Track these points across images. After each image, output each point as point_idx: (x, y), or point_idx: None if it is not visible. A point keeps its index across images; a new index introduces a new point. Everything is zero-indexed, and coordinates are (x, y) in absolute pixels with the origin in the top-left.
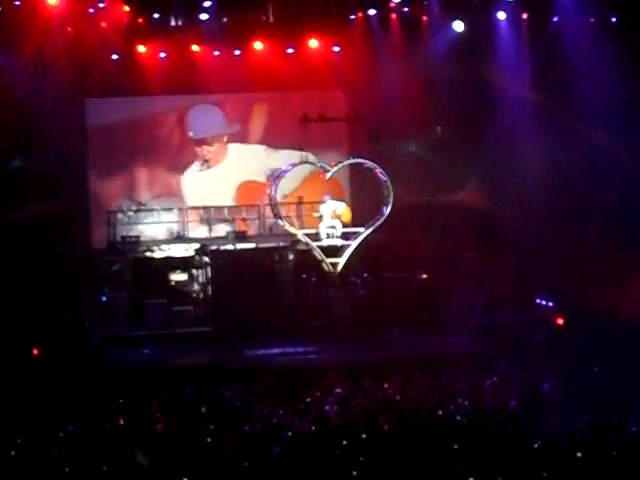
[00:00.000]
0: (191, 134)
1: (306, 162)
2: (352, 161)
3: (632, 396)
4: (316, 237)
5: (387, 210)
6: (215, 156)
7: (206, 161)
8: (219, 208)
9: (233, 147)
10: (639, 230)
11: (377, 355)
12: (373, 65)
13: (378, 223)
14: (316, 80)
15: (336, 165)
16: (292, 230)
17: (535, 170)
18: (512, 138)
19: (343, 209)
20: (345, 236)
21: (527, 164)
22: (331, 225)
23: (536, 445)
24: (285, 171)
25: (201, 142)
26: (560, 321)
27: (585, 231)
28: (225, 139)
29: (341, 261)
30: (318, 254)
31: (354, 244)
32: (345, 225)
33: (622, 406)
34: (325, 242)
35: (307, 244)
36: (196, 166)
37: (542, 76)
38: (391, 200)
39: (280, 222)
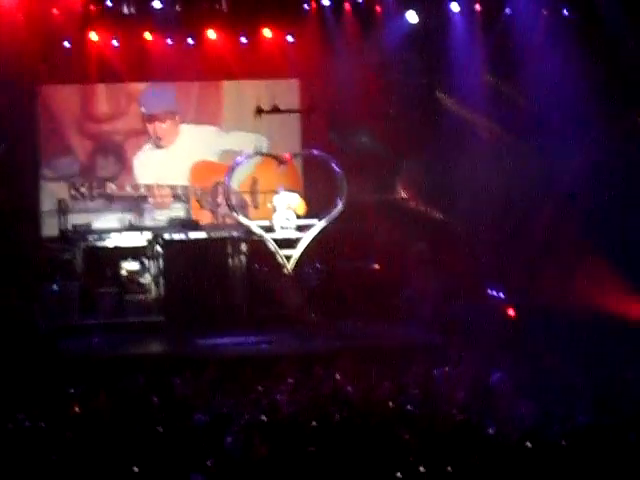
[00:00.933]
0: (143, 110)
1: (260, 153)
2: (307, 152)
3: (581, 387)
4: (269, 229)
5: (341, 202)
6: (167, 135)
7: (158, 139)
8: (173, 187)
9: (184, 127)
10: (589, 220)
11: (329, 345)
12: (327, 56)
13: (332, 215)
14: (270, 70)
15: (291, 157)
16: (245, 222)
17: (485, 163)
18: (463, 134)
19: (297, 201)
20: (299, 228)
21: (477, 160)
22: (285, 217)
23: (485, 434)
24: (238, 163)
25: (153, 118)
26: (511, 312)
27: (535, 221)
28: (177, 118)
29: (295, 253)
30: (272, 246)
31: (308, 236)
32: (299, 217)
33: (571, 397)
34: (279, 234)
35: (261, 236)
36: (148, 147)
37: (494, 69)
38: (345, 192)
39: (234, 214)
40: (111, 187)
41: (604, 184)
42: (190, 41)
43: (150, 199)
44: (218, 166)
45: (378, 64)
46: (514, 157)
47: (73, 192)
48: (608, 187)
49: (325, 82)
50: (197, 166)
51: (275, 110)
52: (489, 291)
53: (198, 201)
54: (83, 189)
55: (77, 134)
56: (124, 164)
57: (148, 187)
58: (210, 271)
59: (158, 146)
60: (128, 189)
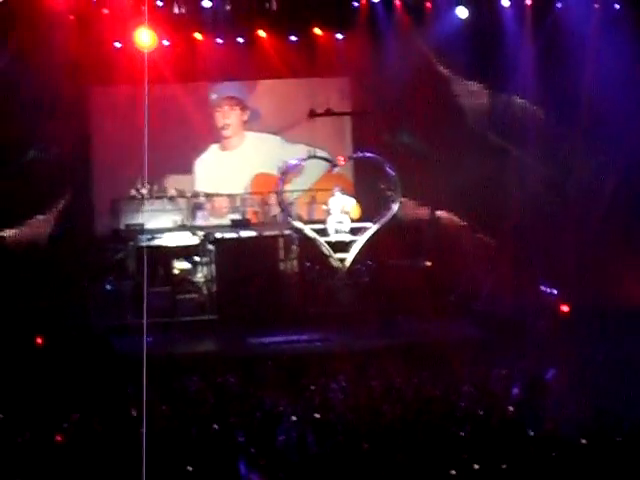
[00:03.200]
0: (213, 96)
1: (314, 157)
2: (361, 155)
3: (635, 385)
4: (323, 232)
5: (396, 206)
6: (234, 130)
7: (223, 128)
8: (231, 196)
9: (250, 135)
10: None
11: (381, 342)
12: (378, 53)
13: (386, 219)
14: (321, 69)
15: (346, 160)
16: (298, 225)
17: (540, 158)
18: (518, 130)
19: (352, 205)
20: (353, 231)
21: (532, 155)
22: (339, 220)
23: (537, 433)
24: (293, 166)
25: (221, 103)
26: (565, 308)
27: (588, 217)
28: (246, 117)
29: (349, 257)
30: (326, 250)
31: (362, 240)
32: (353, 220)
33: (625, 395)
34: (333, 237)
35: (315, 240)
36: (212, 149)
37: (546, 64)
38: (399, 195)
39: (288, 218)
40: (171, 191)
41: None
42: (240, 40)
43: (207, 206)
44: (275, 179)
45: (429, 61)
46: (569, 151)
47: (134, 192)
48: None
49: (376, 81)
50: (258, 178)
51: (328, 113)
52: (542, 288)
53: (255, 213)
54: (144, 190)
55: (135, 139)
56: (185, 165)
57: (208, 196)
58: (262, 269)
59: (223, 145)
60: (188, 195)
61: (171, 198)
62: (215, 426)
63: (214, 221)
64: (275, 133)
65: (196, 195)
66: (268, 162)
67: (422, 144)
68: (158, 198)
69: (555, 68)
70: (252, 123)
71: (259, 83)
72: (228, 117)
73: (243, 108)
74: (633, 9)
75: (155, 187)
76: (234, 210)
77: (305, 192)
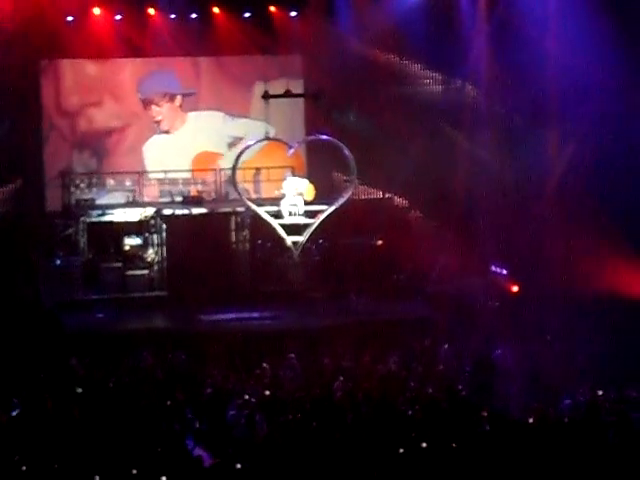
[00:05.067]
0: (139, 95)
1: (269, 138)
2: (317, 138)
3: (580, 364)
4: (278, 215)
5: (352, 187)
6: (169, 120)
7: (156, 123)
8: (174, 180)
9: (192, 115)
10: (592, 201)
11: (332, 321)
12: (332, 32)
13: (342, 201)
14: (274, 46)
15: (300, 142)
16: (253, 207)
17: (492, 143)
18: (471, 116)
19: (306, 187)
20: (307, 214)
21: (485, 139)
22: (293, 203)
23: (488, 410)
24: (248, 146)
25: (148, 102)
26: (515, 288)
27: (539, 199)
28: (178, 102)
29: (302, 239)
30: (280, 233)
31: (317, 222)
32: (307, 203)
33: (572, 374)
34: (287, 220)
35: (269, 223)
36: (156, 132)
37: (496, 47)
38: (355, 177)
39: (244, 199)
40: (110, 183)
41: (617, 160)
42: (193, 16)
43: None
44: (218, 156)
45: (383, 42)
46: (518, 134)
47: (73, 189)
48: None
49: (329, 60)
50: (199, 157)
51: (282, 95)
52: (492, 268)
53: (199, 192)
54: (82, 185)
55: (83, 113)
56: (132, 148)
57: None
58: (213, 246)
59: (161, 131)
60: (127, 183)
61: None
62: (164, 402)
63: (160, 197)
64: (216, 109)
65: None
66: (213, 139)
67: (374, 126)
68: (107, 174)
69: (506, 52)
70: (191, 103)
71: (198, 61)
72: (160, 113)
73: (171, 98)
74: None
75: (94, 181)
76: (165, 196)
77: (259, 170)
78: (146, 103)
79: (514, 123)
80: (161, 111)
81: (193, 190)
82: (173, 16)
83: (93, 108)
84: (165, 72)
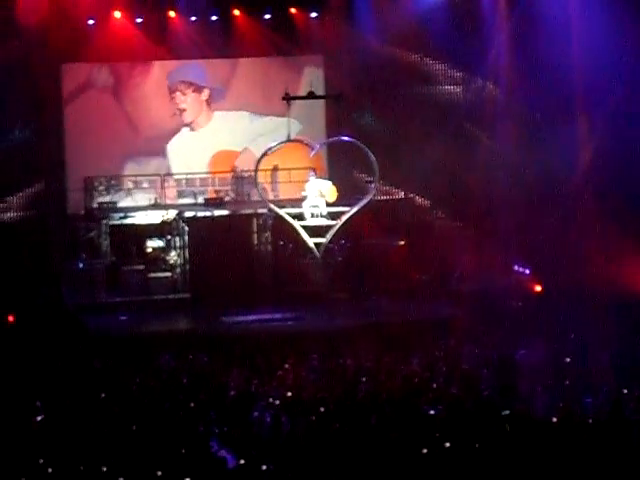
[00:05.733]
0: (167, 82)
1: (292, 140)
2: (339, 139)
3: (604, 363)
4: (300, 216)
5: (374, 189)
6: (193, 112)
7: (180, 111)
8: (191, 180)
9: (218, 114)
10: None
11: (354, 322)
12: (352, 33)
13: (364, 203)
14: (295, 47)
15: (323, 144)
16: (275, 209)
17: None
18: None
19: (329, 188)
20: (330, 215)
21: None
22: (314, 204)
23: (511, 411)
24: (270, 148)
25: (174, 89)
26: (537, 288)
27: (562, 199)
28: (204, 96)
29: (325, 241)
30: (302, 234)
31: (339, 223)
32: (329, 204)
33: (595, 375)
34: (310, 222)
35: (291, 225)
36: (180, 125)
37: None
38: (377, 179)
39: (265, 200)
40: (128, 184)
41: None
42: (213, 18)
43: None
44: (238, 155)
45: (403, 40)
46: (541, 134)
47: (95, 193)
48: None
49: (350, 62)
50: (217, 155)
51: (302, 97)
52: (515, 267)
53: (217, 192)
54: (101, 187)
55: (102, 114)
56: (156, 149)
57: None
58: (235, 248)
59: (184, 124)
60: (145, 185)
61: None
62: (189, 404)
63: (182, 200)
64: (242, 108)
65: (161, 176)
66: (236, 138)
67: (395, 127)
68: (129, 176)
69: (527, 50)
70: (219, 102)
71: (224, 62)
72: (184, 102)
73: (197, 89)
74: None
75: (113, 183)
76: (182, 196)
77: (277, 171)
78: (172, 90)
79: (536, 121)
80: (185, 100)
81: (211, 190)
82: (193, 18)
83: (120, 107)
84: (195, 65)
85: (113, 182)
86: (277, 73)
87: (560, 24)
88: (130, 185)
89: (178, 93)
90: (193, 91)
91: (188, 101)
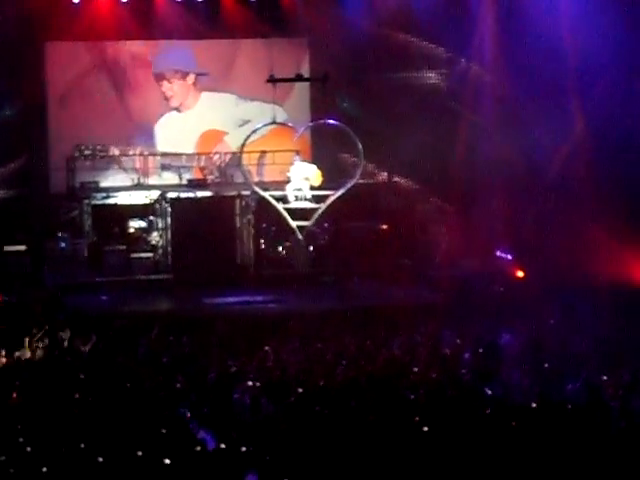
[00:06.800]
0: (153, 69)
1: (276, 123)
2: (324, 122)
3: (584, 349)
4: (283, 199)
5: (358, 173)
6: (179, 97)
7: (166, 99)
8: (177, 155)
9: (205, 95)
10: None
11: (336, 305)
12: (338, 15)
13: (348, 186)
14: (281, 29)
15: (307, 127)
16: (259, 191)
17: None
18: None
19: (314, 172)
20: (314, 198)
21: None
22: (297, 187)
23: (491, 395)
24: (255, 130)
25: (160, 77)
26: (520, 273)
27: (546, 184)
28: (190, 80)
29: (308, 224)
30: (286, 217)
31: (324, 207)
32: (314, 188)
33: (576, 359)
34: (293, 205)
35: (276, 208)
36: (167, 110)
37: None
38: (362, 163)
39: (251, 184)
40: (114, 151)
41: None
42: None
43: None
44: (225, 135)
45: (389, 22)
46: (525, 118)
47: (77, 154)
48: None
49: (336, 44)
50: (205, 135)
51: (287, 79)
52: (498, 253)
53: (202, 169)
54: (87, 152)
55: (87, 94)
56: (143, 129)
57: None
58: (218, 229)
59: (171, 108)
60: (130, 153)
61: (115, 158)
62: (169, 385)
63: (166, 179)
64: (229, 90)
65: (144, 155)
66: (222, 119)
67: (379, 110)
68: (103, 159)
69: (514, 34)
70: (205, 83)
71: (211, 43)
72: (170, 89)
73: (183, 76)
74: None
75: (98, 148)
76: (180, 168)
77: (263, 153)
78: (158, 78)
79: (521, 103)
80: (172, 87)
81: (197, 170)
82: None
83: (105, 87)
84: (180, 50)
85: (97, 156)
86: (263, 55)
87: (547, 6)
88: (115, 166)
89: (165, 82)
90: (179, 78)
91: (175, 88)
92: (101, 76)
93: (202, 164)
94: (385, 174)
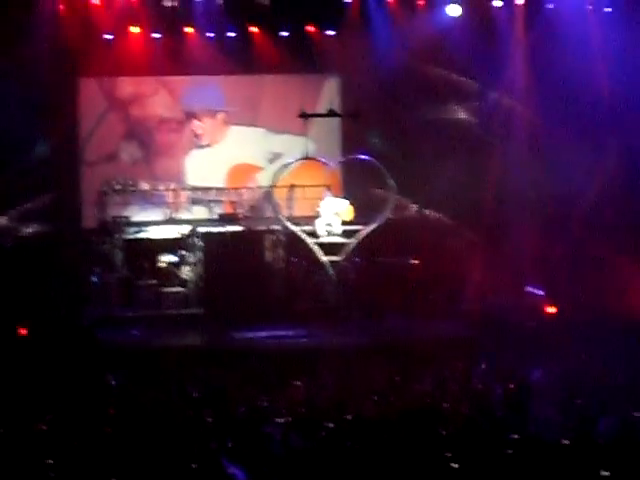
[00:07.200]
0: (182, 106)
1: (308, 157)
2: (355, 157)
3: (617, 386)
4: (313, 234)
5: (389, 208)
6: (210, 135)
7: (196, 137)
8: (207, 189)
9: (234, 129)
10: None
11: (366, 340)
12: (369, 50)
13: (380, 221)
14: (312, 65)
15: (338, 162)
16: (291, 226)
17: (531, 159)
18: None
19: (345, 207)
20: (345, 233)
21: (523, 156)
22: (328, 222)
23: (523, 432)
24: (287, 165)
25: (190, 116)
26: (551, 309)
27: (578, 219)
28: (220, 118)
29: (340, 259)
30: (316, 252)
31: (354, 242)
32: (346, 223)
33: (608, 395)
34: (324, 239)
35: (307, 243)
36: (196, 146)
37: (536, 64)
38: (393, 199)
39: (280, 218)
40: (144, 185)
41: None
42: (231, 34)
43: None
44: (255, 169)
45: (420, 56)
46: (557, 151)
47: (105, 188)
48: None
49: (367, 79)
50: (235, 169)
51: (319, 114)
52: (528, 288)
53: (232, 203)
54: (117, 186)
55: (120, 131)
56: (172, 165)
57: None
58: (248, 264)
59: (198, 145)
60: (161, 188)
61: (146, 193)
62: (200, 419)
63: (195, 214)
64: (259, 125)
65: (176, 189)
66: (252, 154)
67: (411, 143)
68: (133, 193)
69: (545, 68)
70: (234, 118)
71: (241, 79)
72: (200, 127)
73: (213, 115)
74: (624, 11)
75: (129, 183)
76: (210, 202)
77: (293, 188)
78: (189, 116)
79: (552, 137)
80: (202, 126)
81: (227, 205)
82: (210, 35)
83: (135, 128)
84: (210, 87)
85: (128, 191)
86: (294, 91)
87: (580, 37)
88: (145, 200)
89: (195, 120)
90: (210, 117)
91: (205, 127)
92: (132, 113)
93: (232, 198)
94: (415, 207)
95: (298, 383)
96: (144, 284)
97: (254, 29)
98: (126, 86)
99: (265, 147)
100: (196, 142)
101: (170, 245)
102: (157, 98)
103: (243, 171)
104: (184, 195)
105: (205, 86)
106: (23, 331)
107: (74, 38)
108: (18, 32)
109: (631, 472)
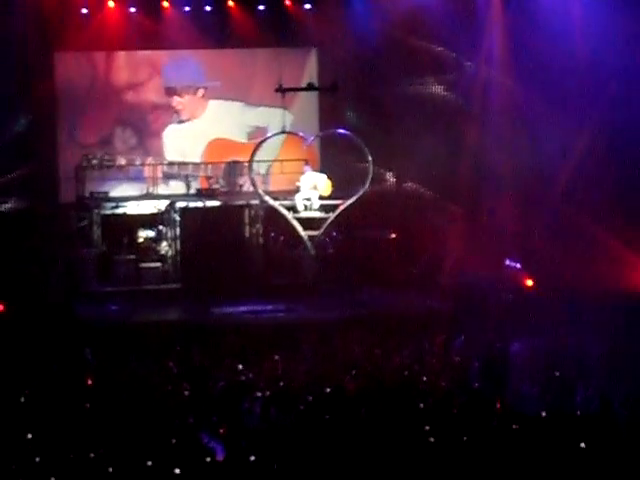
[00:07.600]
0: (163, 82)
1: (286, 132)
2: (333, 132)
3: (594, 358)
4: (292, 208)
5: (367, 183)
6: (189, 110)
7: (176, 113)
8: (183, 164)
9: (213, 103)
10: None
11: (344, 313)
12: (346, 24)
13: (357, 196)
14: (289, 39)
15: (316, 137)
16: (270, 201)
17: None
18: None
19: (324, 182)
20: (323, 208)
21: (504, 129)
22: (306, 197)
23: (501, 404)
24: (265, 140)
25: (171, 91)
26: (529, 282)
27: (556, 192)
28: (200, 93)
29: (318, 233)
30: (297, 227)
31: (332, 217)
32: (323, 197)
33: (585, 368)
34: (302, 214)
35: (284, 216)
36: (175, 121)
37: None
38: (371, 174)
39: (260, 193)
40: (121, 161)
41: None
42: (208, 8)
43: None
44: (234, 144)
45: (398, 28)
46: (536, 123)
47: (85, 163)
48: None
49: (345, 53)
50: (213, 143)
51: (296, 88)
52: (507, 262)
53: (207, 178)
54: (95, 161)
55: (96, 104)
56: (148, 137)
57: (170, 164)
58: (226, 239)
59: (179, 121)
60: (137, 162)
61: (123, 168)
62: (178, 395)
63: (173, 189)
64: (237, 99)
65: (154, 164)
66: (230, 128)
67: (390, 117)
68: (110, 168)
69: (524, 40)
70: (213, 92)
71: (219, 53)
72: (180, 103)
73: (194, 90)
74: None
75: (105, 157)
76: (185, 177)
77: (272, 162)
78: (170, 93)
79: (530, 110)
80: (182, 101)
81: (202, 179)
82: (187, 9)
83: (107, 102)
84: (189, 62)
85: (105, 166)
86: (271, 65)
87: (558, 9)
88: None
89: (175, 97)
90: (188, 93)
91: (185, 102)
92: (109, 87)
93: (208, 173)
94: (394, 180)
95: (277, 357)
96: (122, 259)
97: (231, 3)
98: (104, 61)
99: (244, 121)
100: (176, 117)
101: (148, 220)
102: (136, 71)
103: (221, 146)
104: (162, 170)
105: (186, 62)
106: (0, 307)
107: (51, 12)
108: None
109: (608, 443)
